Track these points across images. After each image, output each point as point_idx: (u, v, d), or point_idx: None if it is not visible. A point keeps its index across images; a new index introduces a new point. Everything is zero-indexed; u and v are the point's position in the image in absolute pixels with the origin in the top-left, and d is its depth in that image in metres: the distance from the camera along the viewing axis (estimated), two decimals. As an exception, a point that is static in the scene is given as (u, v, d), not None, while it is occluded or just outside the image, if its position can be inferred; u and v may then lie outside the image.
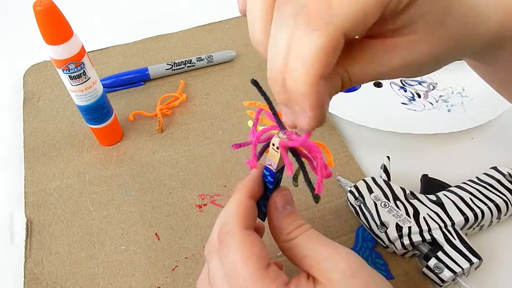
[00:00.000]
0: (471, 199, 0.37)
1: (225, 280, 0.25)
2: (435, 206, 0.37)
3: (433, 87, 0.52)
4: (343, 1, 0.18)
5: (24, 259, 0.39)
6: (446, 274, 0.34)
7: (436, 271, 0.34)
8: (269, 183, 0.29)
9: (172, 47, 0.57)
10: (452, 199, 0.38)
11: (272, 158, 0.27)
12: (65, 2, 0.40)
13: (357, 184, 0.39)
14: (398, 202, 0.38)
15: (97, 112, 0.43)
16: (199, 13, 0.62)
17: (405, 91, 0.51)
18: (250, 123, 0.28)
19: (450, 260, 0.34)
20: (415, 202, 0.38)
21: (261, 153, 0.29)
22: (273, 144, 0.26)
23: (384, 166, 0.41)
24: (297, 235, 0.27)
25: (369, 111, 0.48)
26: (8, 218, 0.43)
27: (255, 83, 0.26)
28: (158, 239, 0.40)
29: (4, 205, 0.43)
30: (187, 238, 0.40)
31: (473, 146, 0.46)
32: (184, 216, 0.42)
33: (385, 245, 0.37)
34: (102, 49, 0.57)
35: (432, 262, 0.35)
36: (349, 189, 0.39)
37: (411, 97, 0.51)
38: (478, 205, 0.37)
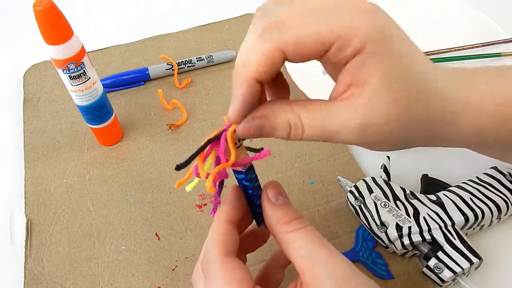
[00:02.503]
0: (471, 199, 0.37)
1: None
2: (435, 206, 0.37)
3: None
4: (292, 27, 0.23)
5: (24, 259, 0.39)
6: (446, 274, 0.34)
7: (436, 271, 0.34)
8: (248, 188, 0.28)
9: (172, 47, 0.57)
10: (452, 199, 0.38)
11: (244, 153, 0.27)
12: (65, 2, 0.40)
13: (357, 184, 0.39)
14: (398, 202, 0.38)
15: (97, 112, 0.43)
16: (199, 13, 0.62)
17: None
18: (189, 187, 0.27)
19: (450, 260, 0.34)
20: (415, 202, 0.38)
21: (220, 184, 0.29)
22: (236, 143, 0.26)
23: (384, 166, 0.41)
24: (295, 229, 0.26)
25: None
26: (8, 218, 0.43)
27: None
28: (158, 239, 0.40)
29: (4, 205, 0.43)
30: (187, 238, 0.40)
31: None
32: (184, 216, 0.42)
33: (385, 245, 0.37)
34: (102, 49, 0.57)
35: (432, 262, 0.35)
36: (349, 189, 0.39)
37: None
38: (478, 205, 0.37)
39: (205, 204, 0.42)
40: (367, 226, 0.38)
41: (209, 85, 0.53)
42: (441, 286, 0.35)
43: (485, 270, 0.37)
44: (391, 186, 0.39)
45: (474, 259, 0.34)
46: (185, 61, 0.53)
